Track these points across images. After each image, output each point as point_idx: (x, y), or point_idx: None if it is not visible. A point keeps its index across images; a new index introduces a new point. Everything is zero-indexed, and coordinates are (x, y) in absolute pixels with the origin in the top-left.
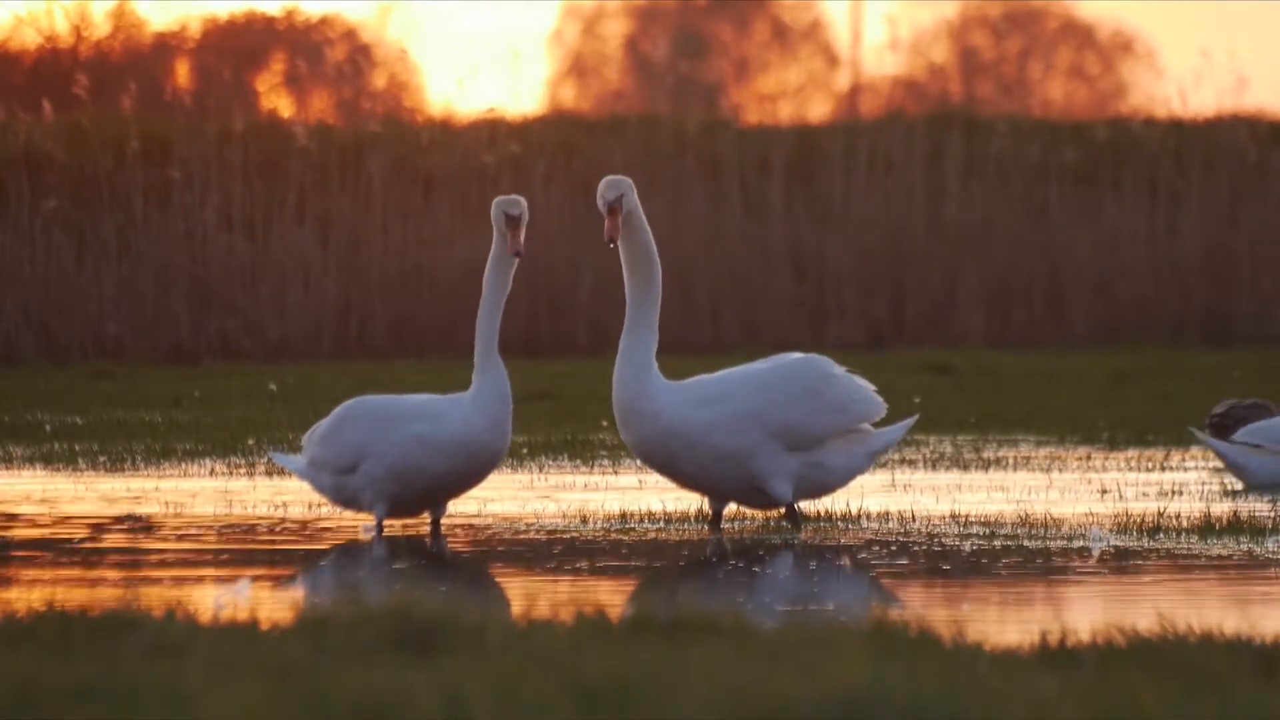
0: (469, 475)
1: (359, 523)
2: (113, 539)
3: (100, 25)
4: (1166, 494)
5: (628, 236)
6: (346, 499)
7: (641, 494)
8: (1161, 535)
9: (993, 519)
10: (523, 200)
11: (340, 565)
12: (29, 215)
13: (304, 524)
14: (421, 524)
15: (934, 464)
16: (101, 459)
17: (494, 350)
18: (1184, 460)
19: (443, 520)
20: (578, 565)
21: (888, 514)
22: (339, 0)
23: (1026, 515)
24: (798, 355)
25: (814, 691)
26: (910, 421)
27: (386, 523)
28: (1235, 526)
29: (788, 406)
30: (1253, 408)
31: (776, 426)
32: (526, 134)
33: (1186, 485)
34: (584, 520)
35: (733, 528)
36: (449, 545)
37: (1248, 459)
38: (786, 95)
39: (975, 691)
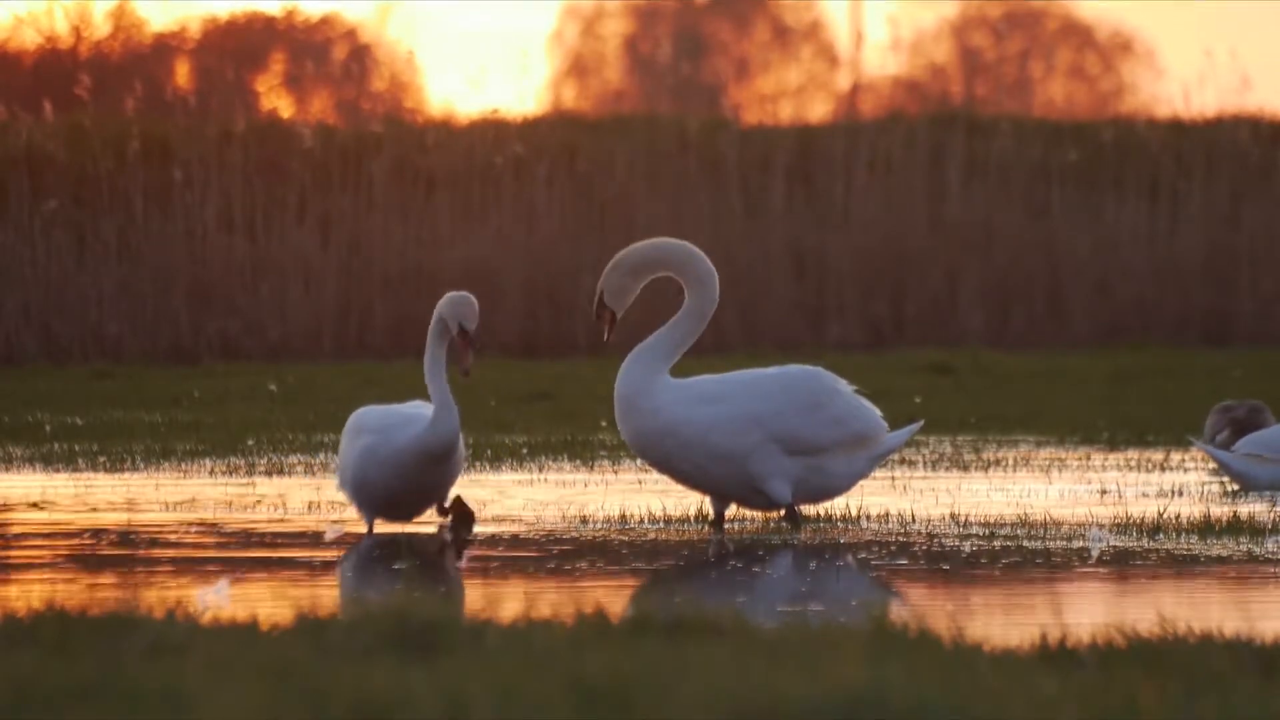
0: (422, 485)
1: (359, 523)
2: (111, 539)
3: (100, 25)
4: (1166, 494)
5: (688, 291)
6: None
7: (641, 494)
8: (1161, 535)
9: (993, 519)
10: (476, 303)
11: (341, 565)
12: (29, 215)
13: (303, 525)
14: (420, 524)
15: (934, 464)
16: (101, 459)
17: (447, 394)
18: (1184, 461)
19: (440, 520)
20: (578, 565)
21: (888, 514)
22: (339, 0)
23: (1026, 516)
24: (804, 366)
25: (814, 691)
26: (915, 428)
27: (386, 524)
28: (1235, 527)
29: (788, 414)
30: (1251, 410)
31: (775, 431)
32: (528, 134)
33: (1186, 486)
34: (584, 520)
35: (733, 528)
36: (448, 546)
37: (1249, 468)
38: (787, 95)
39: (975, 691)
